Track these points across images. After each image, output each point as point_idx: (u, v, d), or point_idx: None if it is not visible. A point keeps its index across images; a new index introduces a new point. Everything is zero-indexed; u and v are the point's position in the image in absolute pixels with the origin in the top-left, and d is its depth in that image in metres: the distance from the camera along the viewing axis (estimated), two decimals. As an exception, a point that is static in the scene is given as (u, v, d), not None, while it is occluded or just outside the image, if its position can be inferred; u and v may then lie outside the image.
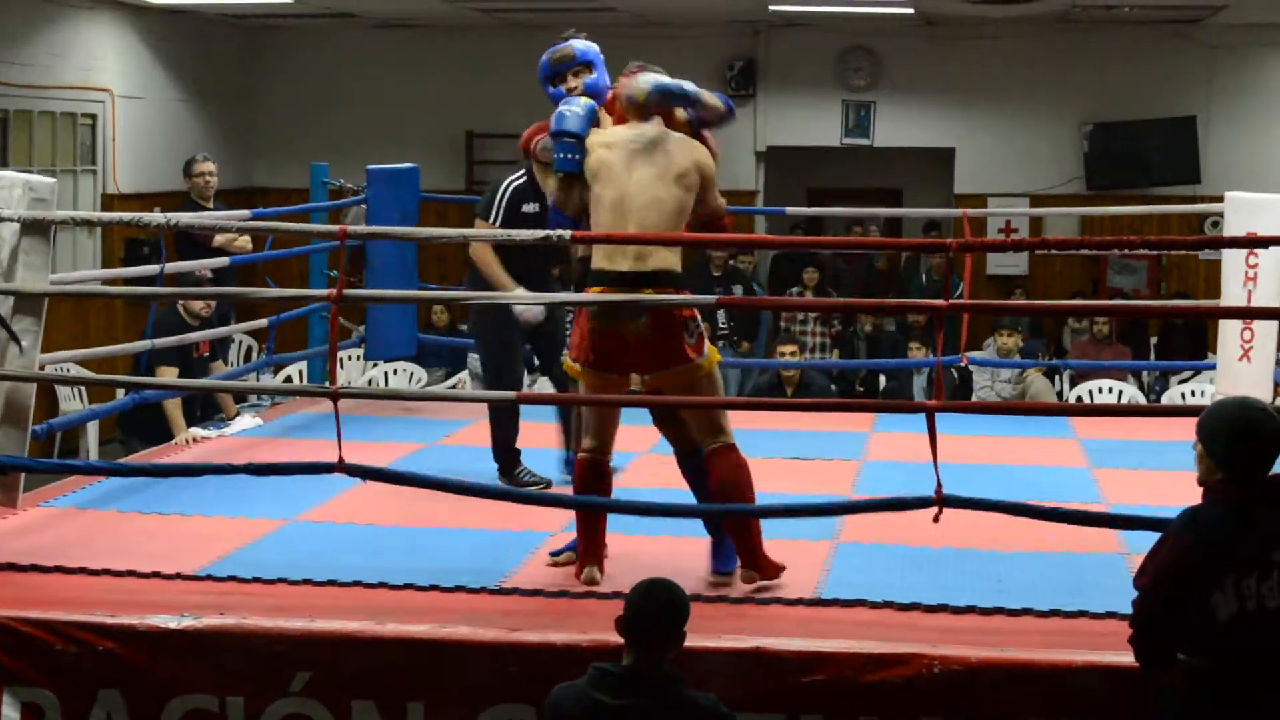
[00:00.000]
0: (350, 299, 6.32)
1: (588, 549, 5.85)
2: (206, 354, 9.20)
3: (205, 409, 9.30)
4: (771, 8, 14.58)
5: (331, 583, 5.75)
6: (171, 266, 8.50)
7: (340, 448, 5.88)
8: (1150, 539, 4.25)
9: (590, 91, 6.09)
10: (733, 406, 6.55)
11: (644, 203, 5.68)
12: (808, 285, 14.51)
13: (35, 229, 6.12)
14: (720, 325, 13.66)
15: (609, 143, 5.78)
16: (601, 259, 5.71)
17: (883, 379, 13.13)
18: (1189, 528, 3.96)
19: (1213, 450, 3.97)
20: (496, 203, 7.22)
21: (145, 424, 8.82)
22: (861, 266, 16.18)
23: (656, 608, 4.27)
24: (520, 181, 7.25)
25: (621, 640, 4.29)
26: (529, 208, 7.09)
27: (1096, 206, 13.75)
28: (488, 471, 7.31)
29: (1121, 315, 13.90)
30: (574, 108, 5.81)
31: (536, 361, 7.91)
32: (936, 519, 5.61)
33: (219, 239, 9.59)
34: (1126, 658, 4.33)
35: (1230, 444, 3.94)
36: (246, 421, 8.92)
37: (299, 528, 6.62)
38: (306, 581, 5.76)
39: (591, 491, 5.87)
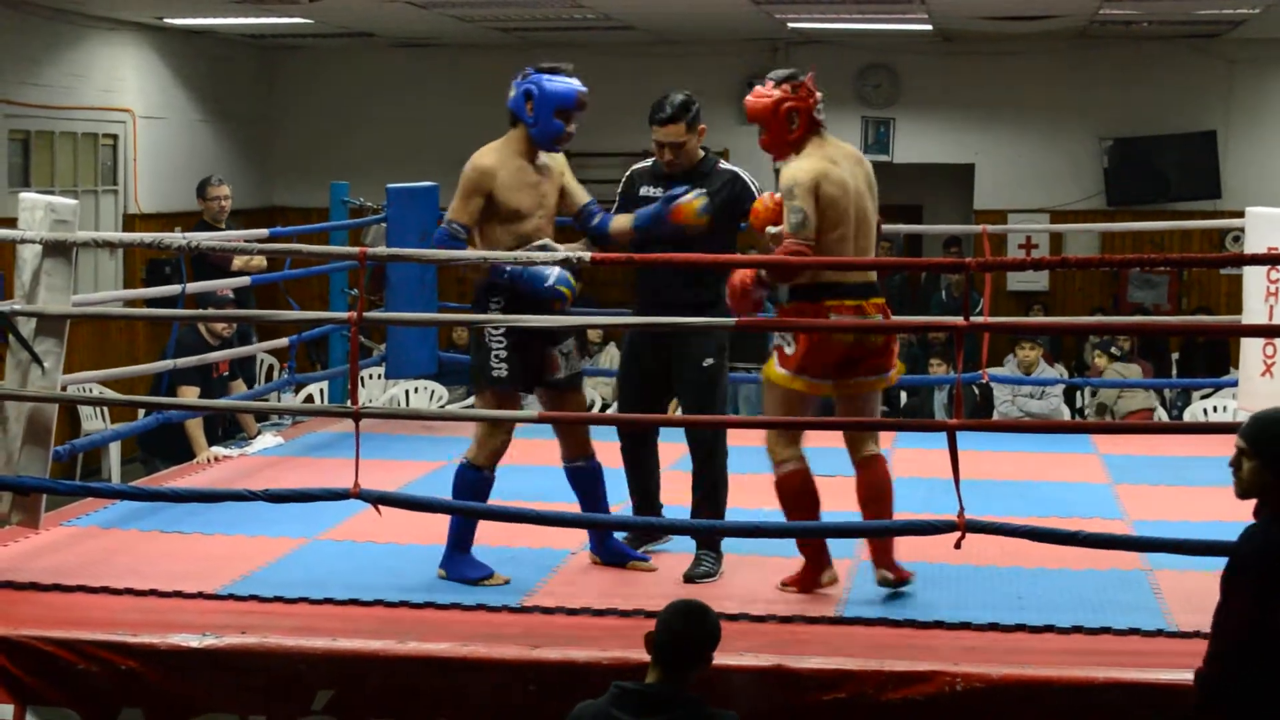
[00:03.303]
0: (371, 321, 6.31)
1: (814, 556, 5.95)
2: (226, 373, 9.22)
3: (227, 427, 9.32)
4: (790, 25, 14.58)
5: (353, 601, 5.76)
6: (193, 287, 8.51)
7: (357, 472, 5.88)
8: (1173, 560, 4.16)
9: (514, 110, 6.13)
10: (756, 424, 6.56)
11: (869, 221, 5.91)
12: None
13: (57, 250, 6.13)
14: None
15: (834, 159, 5.83)
16: (830, 275, 5.81)
17: (904, 395, 13.11)
18: (1261, 547, 3.90)
19: (1260, 452, 3.92)
20: (620, 189, 6.56)
21: (167, 443, 8.84)
22: (889, 283, 16.14)
23: (690, 629, 4.26)
24: (642, 166, 6.55)
25: (646, 658, 4.28)
26: (648, 190, 6.39)
27: (1117, 222, 13.72)
28: (507, 490, 7.28)
29: (1143, 332, 13.86)
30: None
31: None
32: (958, 545, 5.61)
33: (236, 262, 9.62)
34: (1151, 674, 4.31)
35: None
36: (268, 440, 8.93)
37: (320, 546, 6.63)
38: (328, 600, 5.77)
39: (806, 504, 5.95)
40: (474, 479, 6.15)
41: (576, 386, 6.42)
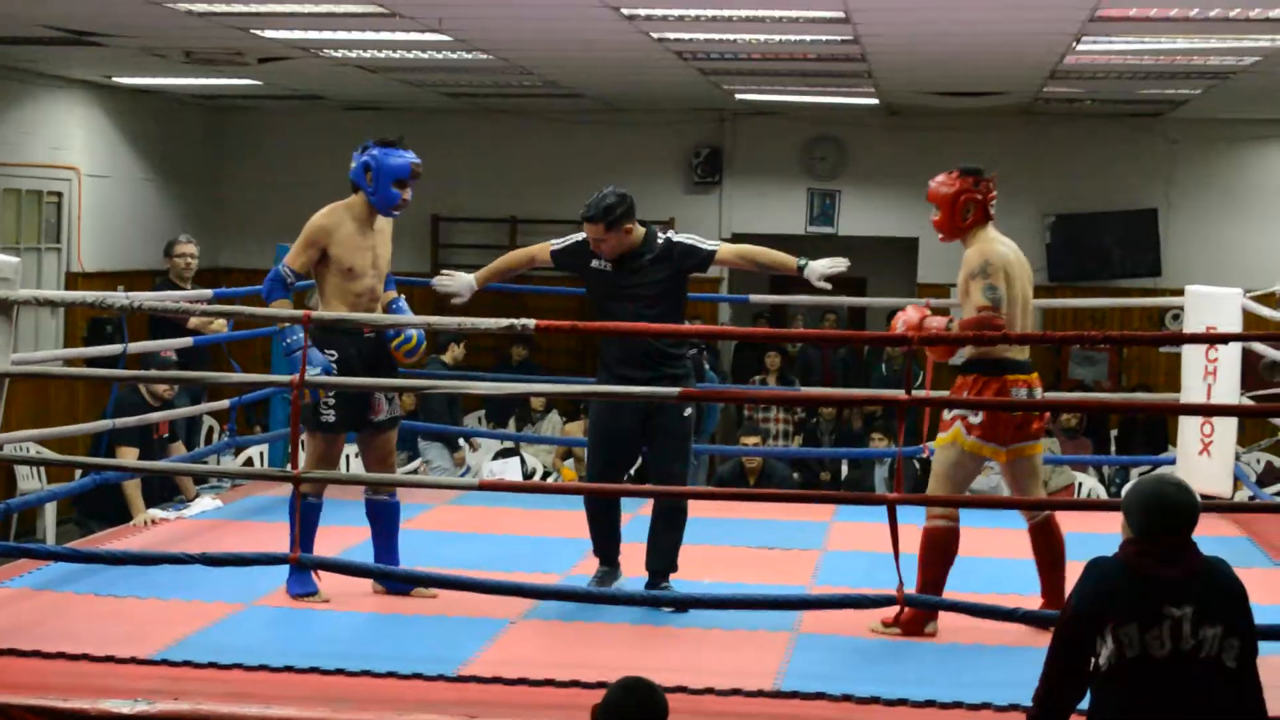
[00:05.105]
0: (312, 385, 6.32)
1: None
2: (166, 435, 9.16)
3: (165, 490, 9.25)
4: (738, 96, 14.68)
5: (288, 669, 5.71)
6: (134, 346, 8.47)
7: (296, 538, 5.86)
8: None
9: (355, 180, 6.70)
10: (695, 496, 6.61)
11: (1030, 305, 6.57)
12: (771, 370, 14.55)
13: (-3, 308, 6.09)
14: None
15: (1009, 246, 6.51)
16: (1011, 352, 6.37)
17: (845, 466, 13.13)
18: (1085, 575, 4.11)
19: (1129, 519, 4.12)
20: (568, 237, 7.01)
21: (104, 504, 8.77)
22: (834, 355, 16.21)
23: (635, 706, 4.23)
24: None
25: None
26: (599, 264, 6.82)
27: (1058, 298, 13.84)
28: (448, 557, 7.27)
29: (1082, 409, 13.92)
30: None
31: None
32: (898, 619, 5.62)
33: (193, 321, 9.58)
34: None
35: (1140, 511, 4.08)
36: (206, 503, 8.87)
37: (257, 612, 6.58)
38: (263, 667, 5.72)
39: (943, 560, 6.33)
40: (304, 505, 6.43)
41: (394, 427, 6.91)
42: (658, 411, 6.74)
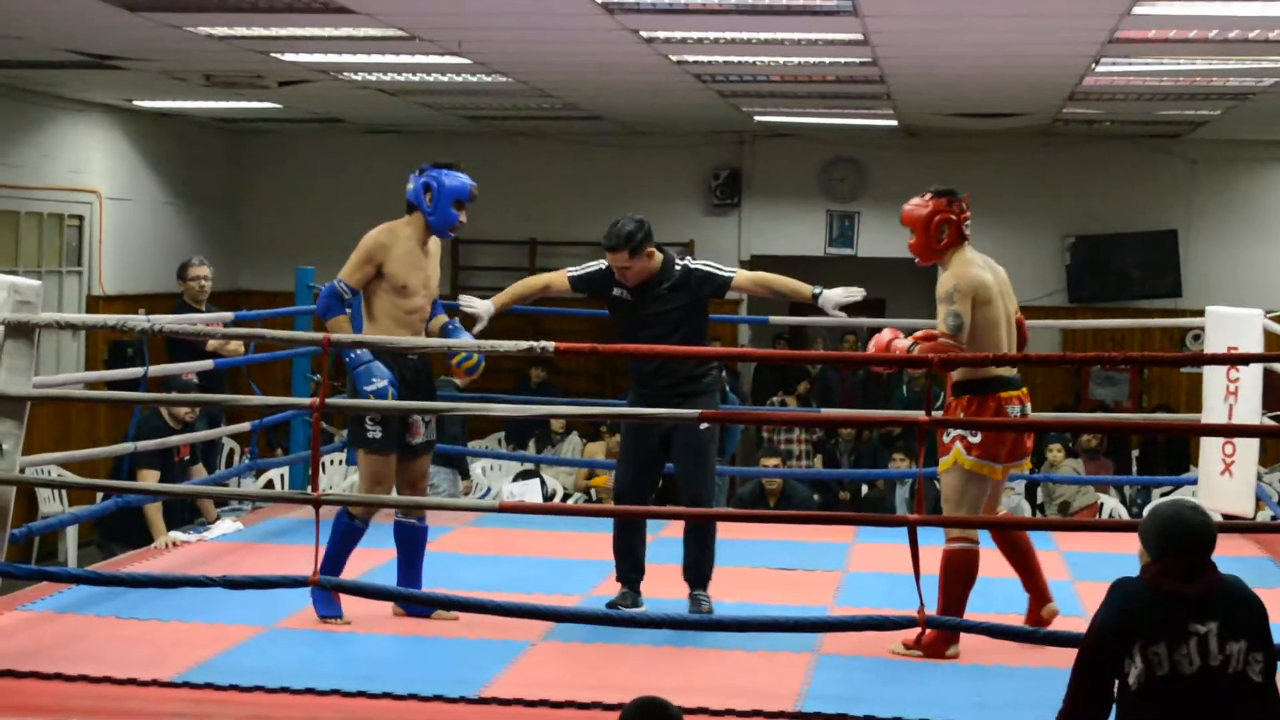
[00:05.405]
0: (333, 408, 6.33)
1: (1037, 597, 6.59)
2: (187, 458, 9.17)
3: (186, 512, 9.26)
4: (757, 118, 14.71)
5: (309, 691, 5.70)
6: (155, 369, 8.49)
7: (317, 560, 5.87)
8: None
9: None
10: (716, 517, 6.62)
11: (1013, 320, 6.60)
12: (798, 393, 14.57)
13: (19, 331, 6.11)
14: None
15: (987, 266, 6.50)
16: (998, 370, 6.40)
17: (864, 487, 13.12)
18: (1110, 596, 4.13)
19: (1147, 544, 4.14)
20: (586, 265, 7.12)
21: (125, 527, 8.78)
22: (853, 376, 16.20)
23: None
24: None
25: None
26: (619, 292, 6.95)
27: (1079, 319, 13.82)
28: (469, 579, 7.27)
29: (1104, 430, 13.91)
30: None
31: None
32: (918, 641, 5.60)
33: (211, 344, 9.61)
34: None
35: (1158, 536, 4.11)
36: (227, 526, 8.87)
37: (278, 634, 6.58)
38: (284, 690, 5.71)
39: (964, 580, 6.34)
40: (346, 527, 6.66)
41: (429, 450, 6.97)
42: (678, 429, 6.82)
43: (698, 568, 6.91)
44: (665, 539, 7.39)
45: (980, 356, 6.17)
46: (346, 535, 6.67)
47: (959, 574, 6.34)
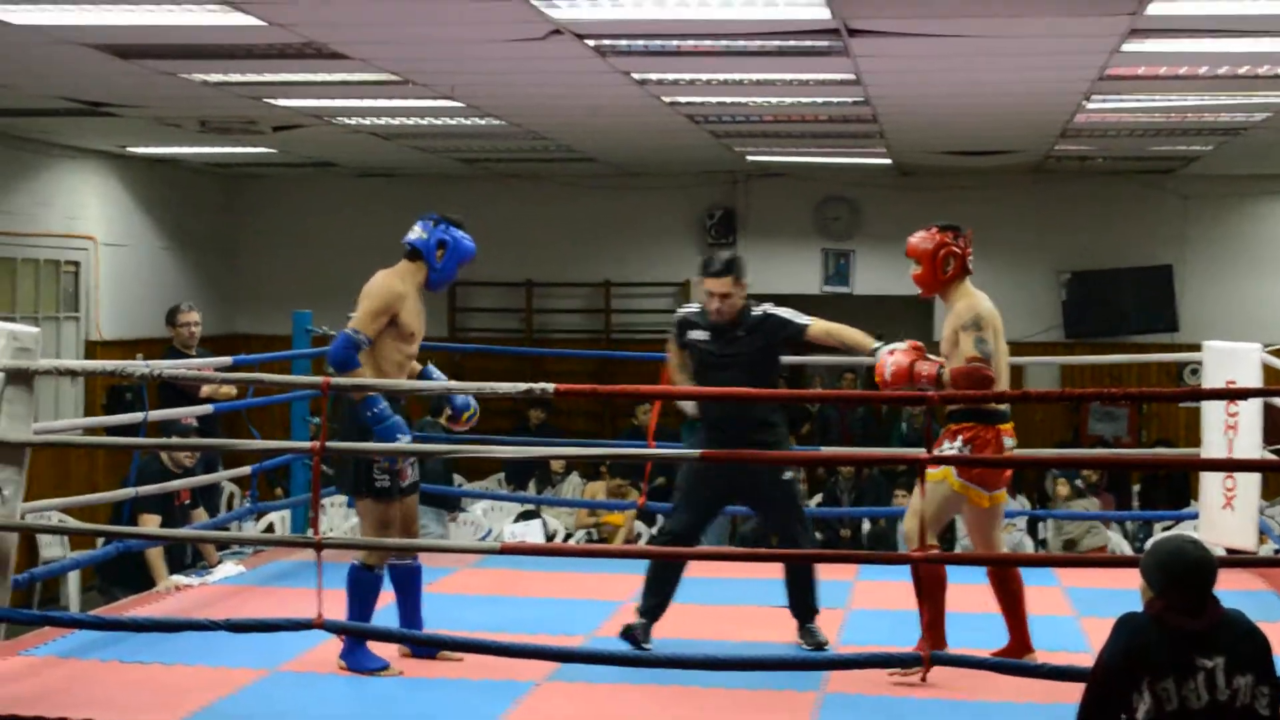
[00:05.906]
0: (333, 451, 6.34)
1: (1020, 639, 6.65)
2: (188, 502, 9.17)
3: (188, 556, 9.25)
4: (750, 158, 14.74)
5: (314, 734, 5.70)
6: (155, 414, 8.50)
7: (320, 602, 5.86)
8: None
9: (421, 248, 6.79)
10: (718, 557, 6.61)
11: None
12: (800, 434, 14.59)
13: (19, 378, 6.13)
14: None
15: (984, 296, 6.63)
16: (997, 404, 6.51)
17: (867, 523, 13.11)
18: (1116, 631, 4.14)
19: (1150, 579, 4.17)
20: (674, 326, 7.34)
21: (127, 572, 8.77)
22: (851, 414, 16.19)
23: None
24: (690, 311, 7.31)
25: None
26: (696, 335, 7.14)
27: (1075, 354, 13.84)
28: (472, 620, 7.27)
29: (1104, 465, 13.91)
30: None
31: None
32: (923, 678, 5.60)
33: (204, 390, 9.60)
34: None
35: (1159, 571, 4.13)
36: (229, 569, 8.86)
37: (281, 678, 6.57)
38: (288, 733, 5.71)
39: (939, 588, 6.42)
40: (367, 579, 6.63)
41: (417, 491, 6.91)
42: (761, 483, 7.02)
43: (801, 602, 7.09)
44: (689, 578, 7.34)
45: (1010, 394, 6.45)
46: (367, 587, 6.65)
47: (935, 583, 6.41)
